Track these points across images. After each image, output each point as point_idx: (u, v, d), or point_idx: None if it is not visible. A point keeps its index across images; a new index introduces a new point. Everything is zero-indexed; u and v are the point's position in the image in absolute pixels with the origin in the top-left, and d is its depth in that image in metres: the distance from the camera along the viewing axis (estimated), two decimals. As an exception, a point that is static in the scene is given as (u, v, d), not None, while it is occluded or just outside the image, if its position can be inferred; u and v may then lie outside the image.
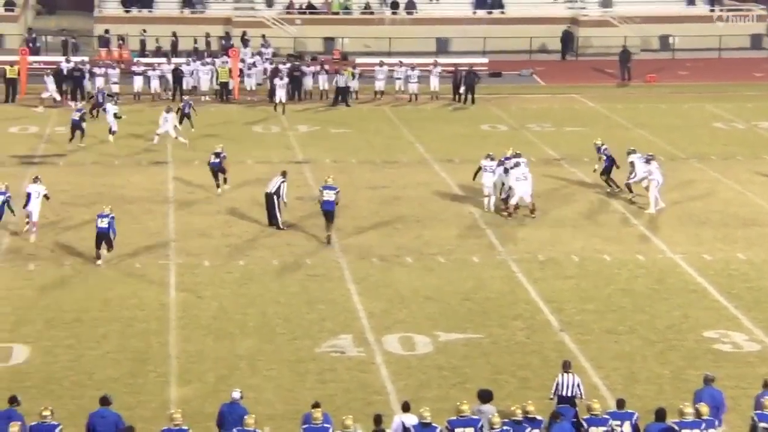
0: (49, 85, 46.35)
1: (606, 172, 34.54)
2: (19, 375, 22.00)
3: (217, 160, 34.40)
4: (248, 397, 19.78)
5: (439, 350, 23.54)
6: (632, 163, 33.56)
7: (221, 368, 22.54)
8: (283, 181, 30.97)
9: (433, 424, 17.68)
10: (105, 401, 18.46)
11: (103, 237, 28.06)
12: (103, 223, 28.02)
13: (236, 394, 18.75)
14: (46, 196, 30.11)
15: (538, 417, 18.09)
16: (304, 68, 49.57)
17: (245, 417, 17.77)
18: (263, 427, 18.92)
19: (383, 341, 23.92)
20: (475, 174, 33.21)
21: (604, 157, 34.49)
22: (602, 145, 34.94)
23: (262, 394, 21.38)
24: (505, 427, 17.55)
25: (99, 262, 28.12)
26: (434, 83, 48.99)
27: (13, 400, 18.48)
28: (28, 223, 29.93)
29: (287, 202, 31.22)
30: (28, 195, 29.86)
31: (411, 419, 18.00)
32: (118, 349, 23.31)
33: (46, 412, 17.87)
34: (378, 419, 17.93)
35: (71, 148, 39.24)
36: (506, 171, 32.51)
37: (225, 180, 34.64)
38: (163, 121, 39.72)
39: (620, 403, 18.34)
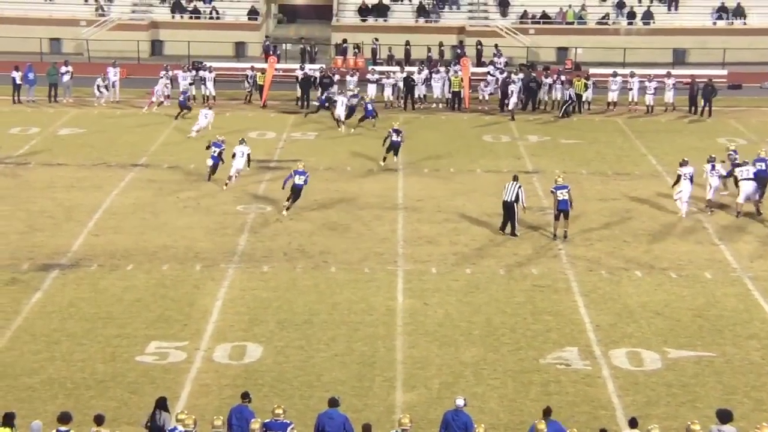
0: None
1: None
2: (253, 373, 22.66)
3: (398, 139, 37.78)
4: (472, 405, 19.79)
5: (669, 367, 22.97)
6: None
7: (446, 375, 22.63)
8: (519, 186, 31.00)
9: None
10: (334, 402, 18.83)
11: (298, 192, 32.31)
12: (300, 180, 32.32)
13: (460, 402, 18.78)
14: (249, 156, 35.70)
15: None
16: (543, 79, 49.24)
17: (475, 427, 17.72)
18: (486, 437, 18.87)
19: (610, 355, 23.52)
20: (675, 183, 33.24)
21: None
22: None
23: (487, 403, 21.35)
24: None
25: (285, 213, 32.43)
26: (669, 95, 47.96)
27: (245, 396, 19.08)
28: (230, 178, 35.49)
29: (527, 207, 31.33)
30: (234, 153, 35.56)
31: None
32: (345, 352, 23.72)
33: (279, 410, 18.38)
34: None
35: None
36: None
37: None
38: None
39: None
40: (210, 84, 48.92)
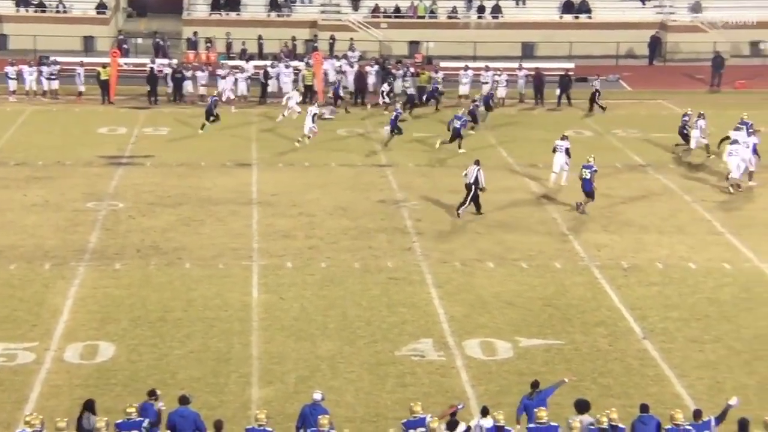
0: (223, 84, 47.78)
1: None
2: (105, 372, 22.32)
3: (459, 125, 39.26)
4: (329, 399, 19.86)
5: (520, 356, 23.43)
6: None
7: (302, 369, 22.67)
8: (479, 169, 32.26)
9: (507, 427, 17.64)
10: (184, 400, 18.70)
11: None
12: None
13: (318, 396, 18.84)
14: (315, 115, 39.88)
15: (621, 425, 17.92)
16: (395, 72, 49.59)
17: (319, 417, 17.85)
18: (343, 430, 18.97)
19: (464, 346, 23.88)
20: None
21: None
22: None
23: (343, 396, 21.45)
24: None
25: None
26: (521, 87, 49.04)
27: (151, 394, 18.90)
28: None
29: (485, 187, 32.39)
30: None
31: (489, 423, 17.96)
32: (200, 349, 23.55)
33: (131, 410, 18.15)
34: (453, 425, 17.93)
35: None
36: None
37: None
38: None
39: (697, 414, 18.07)
40: (49, 79, 48.15)
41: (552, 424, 17.69)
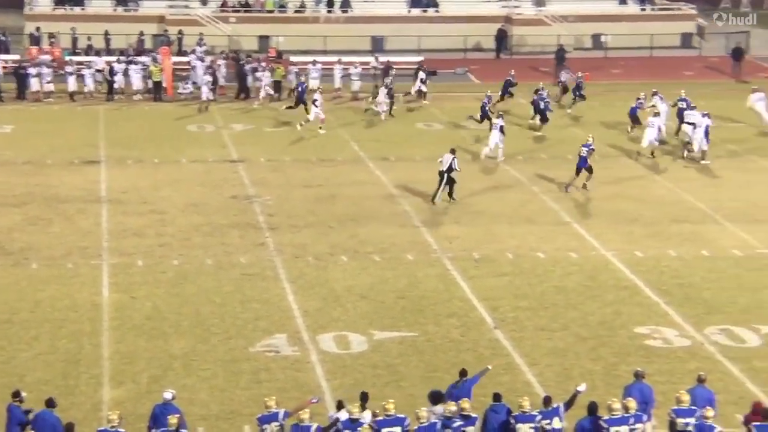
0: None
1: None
2: (-51, 378, 21.73)
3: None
4: (182, 397, 19.69)
5: (374, 349, 23.59)
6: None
7: (155, 369, 22.42)
8: (454, 158, 33.04)
9: (361, 420, 17.77)
10: (50, 403, 18.37)
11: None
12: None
13: (168, 395, 18.64)
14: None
15: (473, 414, 18.19)
16: (246, 67, 49.30)
17: (168, 417, 17.68)
18: (197, 428, 18.84)
19: (318, 340, 23.93)
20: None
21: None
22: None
23: (197, 394, 21.29)
24: (433, 420, 17.70)
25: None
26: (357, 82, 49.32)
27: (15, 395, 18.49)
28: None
29: (459, 169, 33.24)
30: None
31: (344, 416, 18.06)
32: (49, 351, 23.09)
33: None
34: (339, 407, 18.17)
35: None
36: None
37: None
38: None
39: (547, 401, 18.48)
40: None
41: (399, 415, 17.83)
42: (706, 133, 38.50)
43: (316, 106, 41.64)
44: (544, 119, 42.74)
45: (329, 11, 61.62)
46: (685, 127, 39.41)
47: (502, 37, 60.36)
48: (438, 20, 61.54)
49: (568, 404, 18.54)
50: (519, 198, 34.53)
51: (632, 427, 17.76)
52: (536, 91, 43.94)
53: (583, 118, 45.29)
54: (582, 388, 18.78)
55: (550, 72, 54.83)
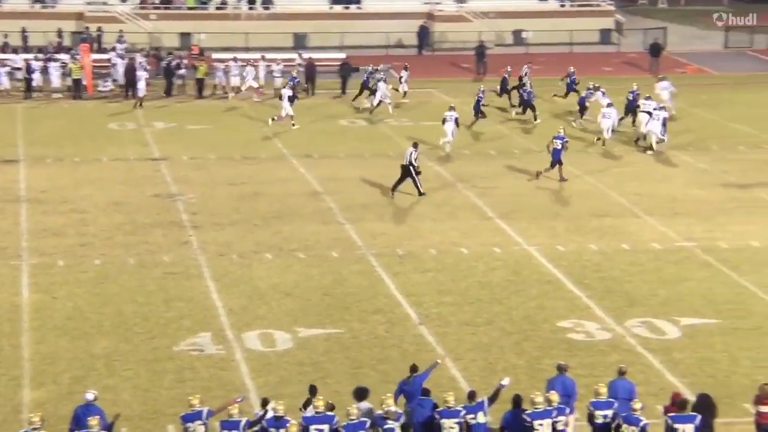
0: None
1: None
2: None
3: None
4: (105, 398, 19.49)
5: (300, 346, 23.55)
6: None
7: (76, 369, 22.16)
8: (413, 151, 33.78)
9: (285, 417, 17.74)
10: None
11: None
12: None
13: (89, 396, 18.39)
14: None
15: (399, 410, 18.23)
16: (166, 64, 48.95)
17: (88, 419, 17.46)
18: (120, 429, 18.66)
19: (243, 338, 23.84)
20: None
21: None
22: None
23: (120, 394, 21.08)
24: (363, 419, 17.72)
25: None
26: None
27: None
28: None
29: (417, 166, 33.65)
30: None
31: (269, 414, 18.01)
32: (-32, 353, 22.75)
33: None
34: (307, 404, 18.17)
35: None
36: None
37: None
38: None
39: (471, 395, 18.58)
40: None
41: (328, 413, 17.83)
42: (664, 124, 39.91)
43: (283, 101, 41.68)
44: (532, 109, 43.84)
45: (251, 8, 61.39)
46: (641, 117, 40.69)
47: (424, 34, 60.60)
48: (360, 17, 61.64)
49: (492, 398, 18.66)
50: (442, 194, 34.68)
51: (555, 419, 17.93)
52: (521, 85, 44.81)
53: (507, 114, 45.61)
54: (506, 382, 18.91)
55: (471, 68, 55.15)
